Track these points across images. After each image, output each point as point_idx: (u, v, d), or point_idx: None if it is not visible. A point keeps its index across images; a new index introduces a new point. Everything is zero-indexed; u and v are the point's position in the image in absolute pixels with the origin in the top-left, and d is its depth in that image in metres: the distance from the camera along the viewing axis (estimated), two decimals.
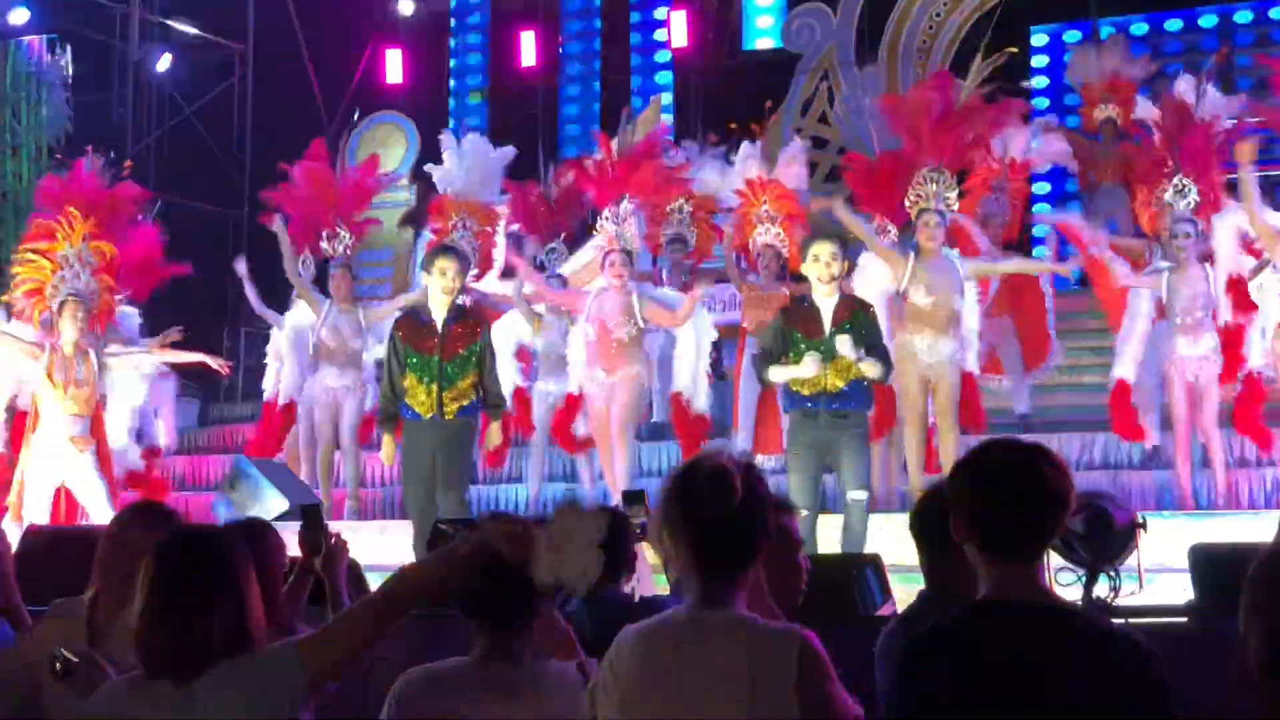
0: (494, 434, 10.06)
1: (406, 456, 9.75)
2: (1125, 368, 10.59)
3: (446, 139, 13.41)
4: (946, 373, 10.18)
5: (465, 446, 9.76)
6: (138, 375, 11.79)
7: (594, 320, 10.72)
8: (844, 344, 8.89)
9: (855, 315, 9.08)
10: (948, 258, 10.32)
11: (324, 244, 12.21)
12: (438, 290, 9.68)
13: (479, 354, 9.66)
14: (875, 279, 10.44)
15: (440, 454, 9.55)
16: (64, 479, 10.91)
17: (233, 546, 3.41)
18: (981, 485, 3.10)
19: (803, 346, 9.02)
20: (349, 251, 12.20)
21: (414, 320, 9.86)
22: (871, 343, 9.05)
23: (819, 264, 9.10)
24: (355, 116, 18.26)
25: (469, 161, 13.02)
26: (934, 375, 10.20)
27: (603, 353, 10.67)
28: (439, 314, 9.71)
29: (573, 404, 11.22)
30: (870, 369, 8.97)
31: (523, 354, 12.03)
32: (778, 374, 9.18)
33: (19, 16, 16.96)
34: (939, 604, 3.73)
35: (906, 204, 10.54)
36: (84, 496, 10.91)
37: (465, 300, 10.43)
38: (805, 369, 8.96)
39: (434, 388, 9.55)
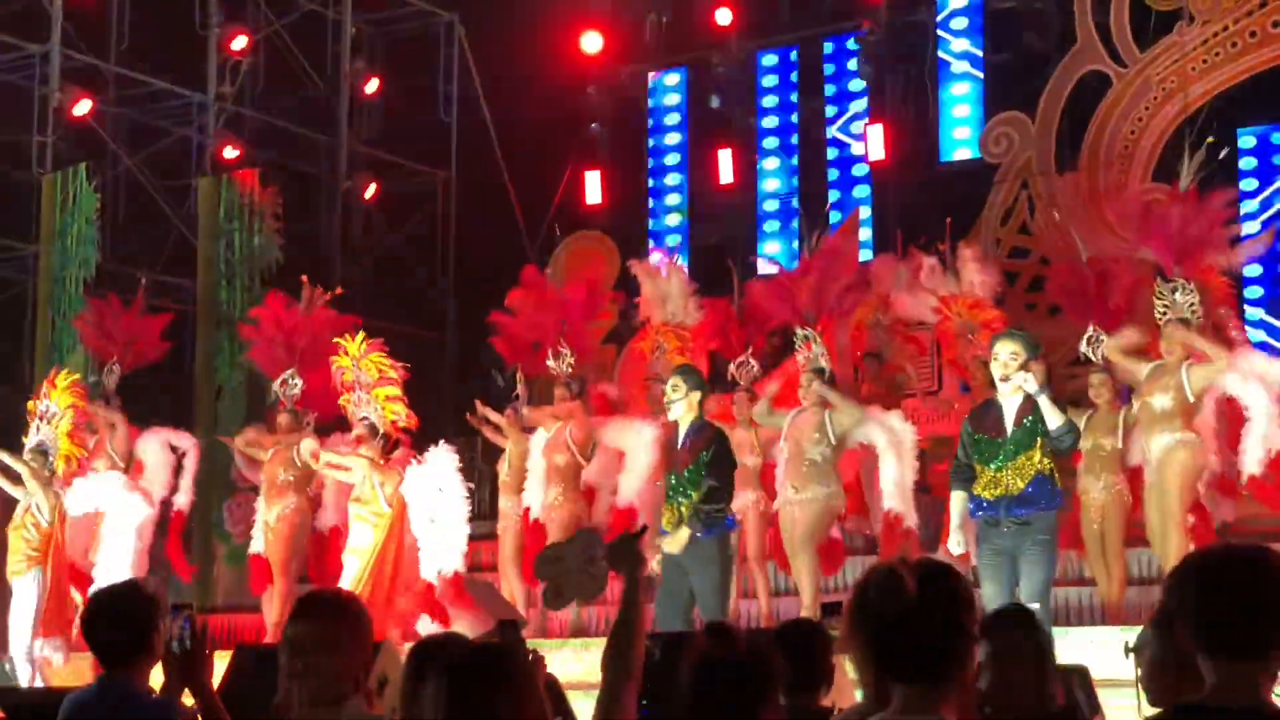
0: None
1: (662, 574, 9.70)
2: None
3: (639, 268, 13.63)
4: (1160, 469, 9.96)
5: (711, 564, 9.51)
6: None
7: (790, 438, 10.76)
8: (1028, 381, 8.75)
9: (1036, 410, 8.88)
10: (1172, 362, 10.10)
11: (550, 361, 12.39)
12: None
13: (707, 461, 9.53)
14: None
15: (692, 574, 9.47)
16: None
17: (523, 664, 3.10)
18: (1207, 584, 2.99)
19: (984, 449, 8.92)
20: (571, 369, 12.33)
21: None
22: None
23: (997, 363, 8.98)
24: (557, 233, 18.49)
25: (663, 287, 13.19)
26: (1153, 475, 10.01)
27: (794, 471, 10.69)
28: (681, 429, 9.79)
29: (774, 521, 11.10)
30: (1052, 414, 8.78)
31: None
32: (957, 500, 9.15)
33: (231, 152, 17.63)
34: None
35: (1156, 315, 10.36)
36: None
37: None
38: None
39: (674, 504, 9.54)
